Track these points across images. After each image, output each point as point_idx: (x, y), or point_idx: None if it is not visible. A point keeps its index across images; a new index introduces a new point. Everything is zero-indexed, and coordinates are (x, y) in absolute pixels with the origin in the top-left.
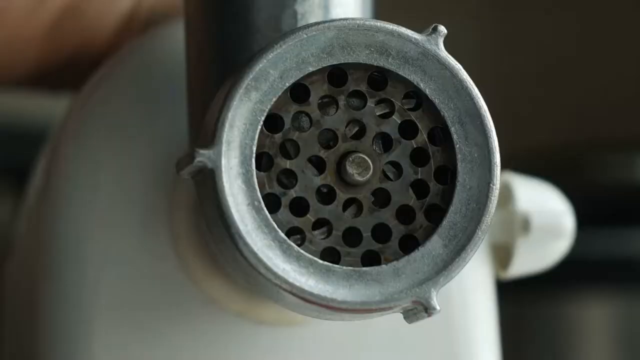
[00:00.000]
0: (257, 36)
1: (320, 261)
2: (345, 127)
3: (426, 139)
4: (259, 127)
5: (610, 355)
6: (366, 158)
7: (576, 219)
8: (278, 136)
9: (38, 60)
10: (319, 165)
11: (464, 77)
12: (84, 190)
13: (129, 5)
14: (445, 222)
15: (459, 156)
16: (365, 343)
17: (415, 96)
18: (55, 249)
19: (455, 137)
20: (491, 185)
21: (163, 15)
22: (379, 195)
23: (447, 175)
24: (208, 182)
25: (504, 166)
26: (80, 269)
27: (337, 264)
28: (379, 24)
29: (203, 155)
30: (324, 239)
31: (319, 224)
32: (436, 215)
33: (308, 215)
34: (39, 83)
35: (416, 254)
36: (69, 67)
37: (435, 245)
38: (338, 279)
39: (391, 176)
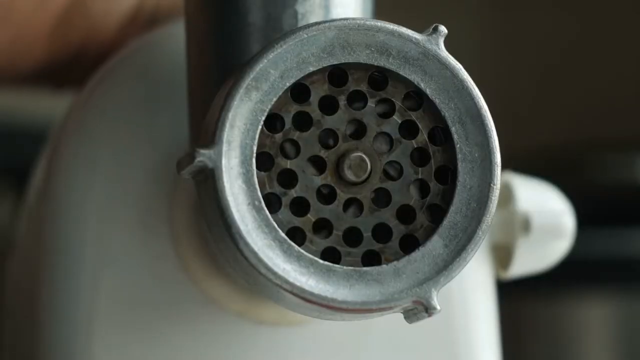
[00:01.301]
0: (257, 36)
1: (321, 261)
2: (346, 127)
3: (427, 139)
4: (260, 126)
5: (610, 355)
6: (366, 158)
7: (576, 219)
8: (278, 136)
9: (43, 58)
10: (319, 165)
11: (465, 77)
12: (84, 190)
13: (133, 3)
14: (445, 222)
15: (459, 156)
16: (366, 343)
17: (416, 96)
18: (55, 248)
19: (455, 137)
20: (492, 185)
21: (166, 14)
22: (379, 195)
23: (447, 175)
24: (208, 182)
25: (504, 166)
26: (80, 268)
27: (338, 264)
28: (379, 23)
29: (203, 155)
30: (324, 238)
31: (319, 223)
32: (437, 215)
33: (308, 215)
34: (44, 80)
35: (417, 254)
36: (74, 64)
37: (435, 245)
38: (338, 278)
39: (392, 176)
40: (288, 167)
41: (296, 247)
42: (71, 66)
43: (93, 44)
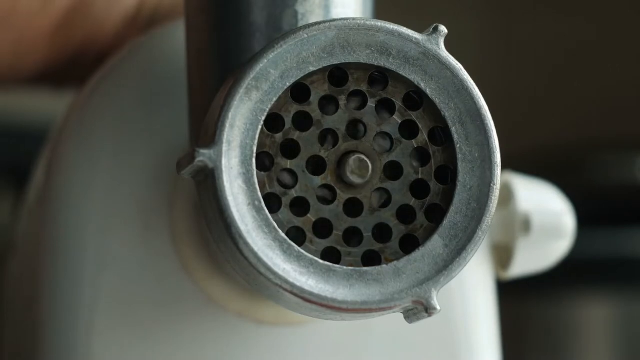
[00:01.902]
0: (257, 36)
1: (321, 261)
2: (346, 127)
3: (427, 139)
4: (260, 126)
5: (610, 355)
6: (366, 158)
7: (576, 219)
8: (279, 136)
9: (44, 59)
10: (319, 165)
11: (465, 77)
12: (84, 190)
13: (134, 4)
14: (446, 222)
15: (459, 156)
16: (365, 342)
17: (416, 96)
18: (55, 248)
19: (455, 137)
20: (492, 185)
21: (166, 14)
22: (379, 195)
23: (447, 175)
24: (208, 181)
25: (504, 166)
26: (81, 268)
27: (338, 264)
28: (379, 23)
29: (204, 155)
30: (324, 238)
31: (319, 223)
32: (437, 215)
33: (309, 215)
34: (46, 80)
35: (417, 254)
36: (75, 64)
37: (435, 245)
38: (338, 278)
39: (392, 176)
40: (288, 167)
41: (296, 247)
42: (72, 66)
43: (94, 45)
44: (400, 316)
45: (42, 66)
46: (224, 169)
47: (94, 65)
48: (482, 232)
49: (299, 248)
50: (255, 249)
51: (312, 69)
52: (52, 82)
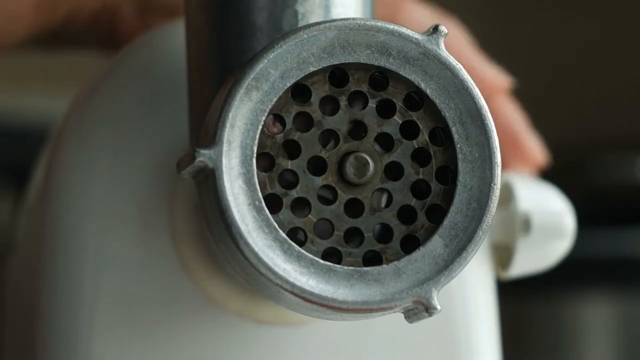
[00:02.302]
0: (258, 36)
1: (321, 261)
2: (347, 127)
3: (427, 139)
4: (260, 127)
5: (610, 355)
6: (367, 158)
7: (576, 219)
8: (279, 136)
9: (30, 29)
10: (320, 165)
11: (465, 77)
12: (84, 190)
13: None
14: (446, 222)
15: (459, 156)
16: (366, 342)
17: (417, 96)
18: (55, 248)
19: (456, 137)
20: (492, 185)
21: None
22: (380, 196)
23: (448, 175)
24: (209, 182)
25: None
26: (81, 268)
27: (339, 264)
28: (379, 23)
29: (204, 155)
30: (325, 239)
31: (320, 224)
32: (437, 215)
33: (309, 216)
34: (36, 44)
35: (417, 254)
36: (64, 29)
37: (436, 245)
38: (339, 278)
39: (392, 176)
40: (289, 167)
41: (296, 247)
42: (61, 30)
43: (81, 13)
44: (400, 316)
45: (28, 34)
46: (224, 169)
47: (84, 29)
48: (483, 232)
49: (299, 248)
50: (256, 249)
51: (312, 69)
52: (43, 45)
